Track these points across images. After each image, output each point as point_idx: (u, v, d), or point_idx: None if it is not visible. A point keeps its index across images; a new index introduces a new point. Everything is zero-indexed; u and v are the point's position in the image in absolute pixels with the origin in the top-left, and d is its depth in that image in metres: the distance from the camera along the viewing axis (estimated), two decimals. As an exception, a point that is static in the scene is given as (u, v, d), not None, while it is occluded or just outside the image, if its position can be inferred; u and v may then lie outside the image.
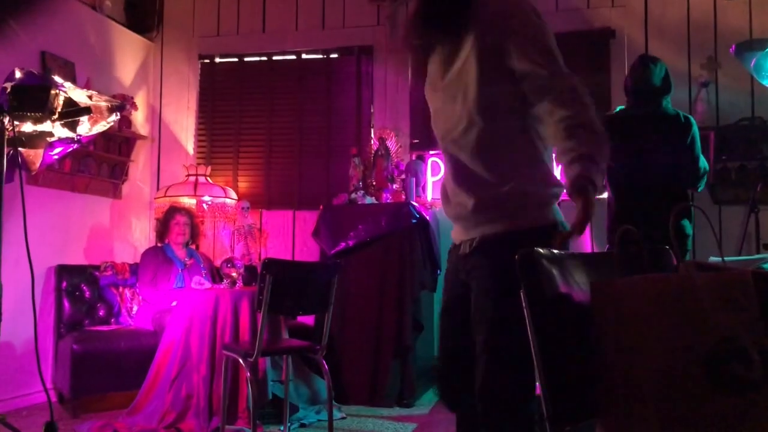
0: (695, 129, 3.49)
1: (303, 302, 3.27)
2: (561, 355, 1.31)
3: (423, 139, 5.15)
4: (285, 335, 3.82)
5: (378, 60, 5.33)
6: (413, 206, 4.40)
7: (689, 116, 3.54)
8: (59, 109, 2.88)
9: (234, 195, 5.26)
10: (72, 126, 3.06)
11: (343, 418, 3.86)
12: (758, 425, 1.14)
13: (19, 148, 2.91)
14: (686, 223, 3.40)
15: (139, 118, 5.46)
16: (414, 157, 5.04)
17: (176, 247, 4.46)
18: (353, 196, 4.73)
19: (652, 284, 1.24)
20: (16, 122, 2.75)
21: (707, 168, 3.53)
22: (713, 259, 2.88)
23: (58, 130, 2.99)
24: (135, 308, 4.58)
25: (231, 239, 5.20)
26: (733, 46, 4.00)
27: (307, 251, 5.27)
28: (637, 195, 3.38)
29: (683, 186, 3.53)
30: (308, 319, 4.58)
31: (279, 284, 3.02)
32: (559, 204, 1.74)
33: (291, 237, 5.37)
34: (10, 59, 4.04)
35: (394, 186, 4.73)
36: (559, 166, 1.63)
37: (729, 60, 4.42)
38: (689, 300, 1.19)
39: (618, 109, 3.81)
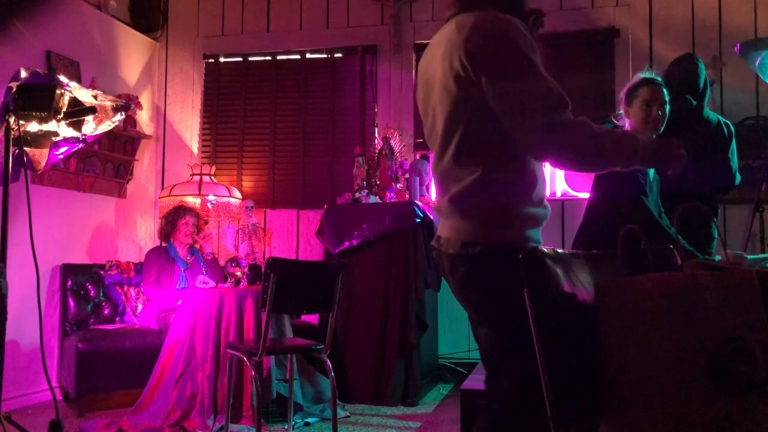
0: (734, 141, 3.41)
1: (307, 301, 3.28)
2: (565, 354, 1.31)
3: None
4: (289, 334, 3.83)
5: (382, 59, 5.33)
6: (417, 205, 4.40)
7: (729, 124, 3.45)
8: (64, 109, 2.89)
9: (238, 194, 5.27)
10: (77, 125, 3.07)
11: (348, 416, 3.87)
12: (763, 425, 1.14)
13: (25, 148, 2.92)
14: (713, 224, 3.32)
15: (143, 118, 5.48)
16: (418, 157, 5.04)
17: (181, 246, 4.47)
18: (357, 195, 4.73)
19: (656, 284, 1.24)
20: (21, 122, 2.76)
21: (740, 179, 3.48)
22: (718, 258, 2.87)
23: (63, 129, 3.00)
24: (140, 307, 4.59)
25: (235, 238, 5.21)
26: (738, 45, 3.98)
27: (311, 250, 5.28)
28: (670, 197, 3.11)
29: (716, 191, 3.47)
30: (313, 318, 4.59)
31: (283, 283, 3.02)
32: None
33: (295, 236, 5.38)
34: (16, 59, 4.05)
35: (398, 185, 4.73)
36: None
37: (734, 59, 4.41)
38: (693, 300, 1.19)
39: None
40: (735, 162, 3.41)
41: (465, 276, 1.60)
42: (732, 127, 3.43)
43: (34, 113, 2.75)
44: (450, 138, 1.63)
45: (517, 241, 1.56)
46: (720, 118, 3.46)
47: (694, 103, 3.36)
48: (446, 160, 1.64)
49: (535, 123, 1.51)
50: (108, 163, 5.03)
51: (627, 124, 2.80)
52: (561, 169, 1.58)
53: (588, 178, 4.73)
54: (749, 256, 2.69)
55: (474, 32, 1.57)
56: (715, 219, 3.36)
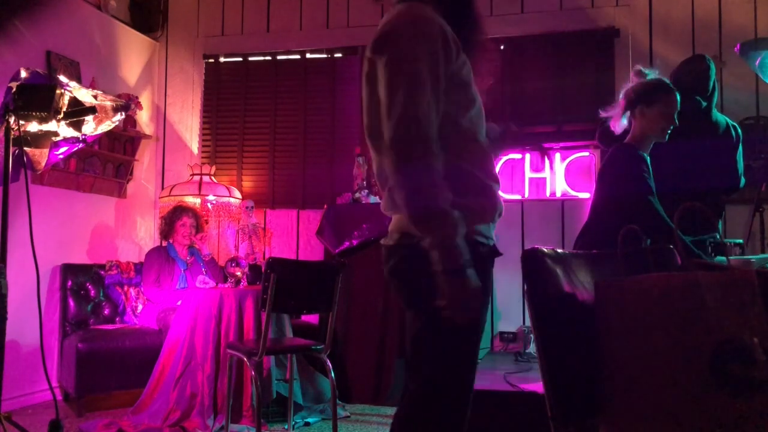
0: (741, 143, 3.41)
1: (307, 301, 3.28)
2: (564, 354, 1.31)
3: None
4: (289, 334, 3.83)
5: (382, 59, 5.32)
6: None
7: (737, 127, 3.44)
8: (64, 109, 2.89)
9: (238, 194, 5.27)
10: (77, 125, 3.08)
11: (347, 416, 3.87)
12: (763, 425, 1.14)
13: (25, 148, 2.92)
14: (719, 225, 3.32)
15: (143, 118, 5.48)
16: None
17: (180, 247, 4.48)
18: (357, 195, 4.73)
19: (656, 284, 1.24)
20: (21, 122, 2.76)
21: (744, 182, 3.47)
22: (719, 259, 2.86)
23: (63, 129, 3.01)
24: (140, 307, 4.59)
25: (235, 238, 5.21)
26: (738, 45, 3.98)
27: (312, 250, 5.28)
28: (674, 197, 3.15)
29: (721, 193, 3.47)
30: (313, 318, 4.59)
31: (283, 283, 3.02)
32: None
33: (295, 236, 5.38)
34: (16, 59, 4.05)
35: (398, 185, 4.73)
36: None
37: (734, 59, 4.41)
38: (693, 299, 1.19)
39: None
40: (741, 164, 3.41)
41: (396, 265, 1.57)
42: (739, 130, 3.44)
43: (34, 113, 2.75)
44: (376, 135, 1.60)
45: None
46: (728, 120, 3.46)
47: (704, 104, 3.35)
48: (378, 157, 1.63)
49: (387, 141, 1.46)
50: (108, 163, 5.03)
51: (630, 122, 2.76)
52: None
53: (589, 179, 4.75)
54: (753, 257, 2.68)
55: (382, 28, 1.55)
56: (720, 221, 3.36)
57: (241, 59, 5.63)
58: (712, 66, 3.43)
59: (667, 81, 2.75)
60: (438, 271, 1.38)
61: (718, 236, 3.28)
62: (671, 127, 2.71)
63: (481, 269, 1.48)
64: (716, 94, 3.47)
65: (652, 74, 2.76)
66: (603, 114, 2.79)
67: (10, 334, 2.95)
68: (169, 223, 4.50)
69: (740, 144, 3.41)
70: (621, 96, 2.78)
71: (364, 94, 1.62)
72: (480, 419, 1.69)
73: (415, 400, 1.55)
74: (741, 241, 3.31)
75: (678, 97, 2.70)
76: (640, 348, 1.24)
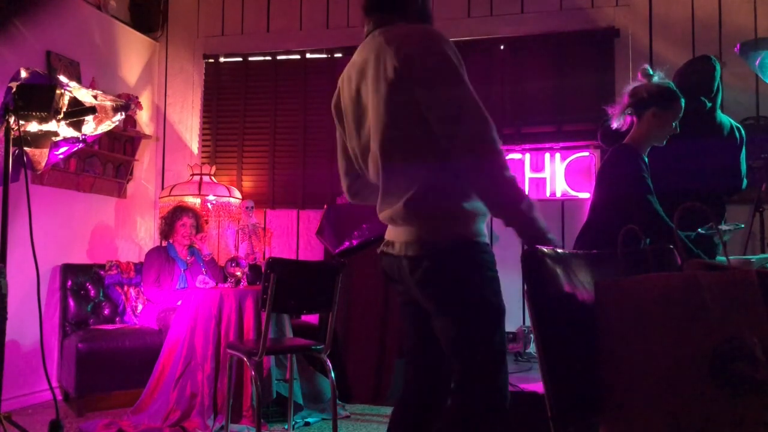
0: (744, 145, 3.40)
1: (307, 301, 3.28)
2: (565, 354, 1.31)
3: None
4: (289, 334, 3.83)
5: (382, 59, 5.32)
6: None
7: (741, 128, 3.43)
8: (64, 109, 2.89)
9: (238, 194, 5.27)
10: (77, 125, 3.08)
11: (347, 416, 3.87)
12: (763, 425, 1.14)
13: (25, 148, 2.92)
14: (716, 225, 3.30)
15: (143, 118, 5.48)
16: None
17: (180, 247, 4.48)
18: (357, 195, 4.72)
19: (656, 284, 1.24)
20: (21, 122, 2.76)
21: (746, 183, 3.47)
22: (720, 258, 2.86)
23: (63, 129, 3.00)
24: (140, 307, 4.59)
25: (235, 238, 5.21)
26: (738, 45, 3.98)
27: (312, 250, 5.28)
28: (676, 198, 3.11)
29: (723, 194, 3.47)
30: (313, 318, 4.59)
31: (283, 283, 3.02)
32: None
33: (295, 236, 5.38)
34: (16, 59, 4.05)
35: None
36: None
37: (734, 59, 4.41)
38: (693, 299, 1.19)
39: None
40: (744, 166, 3.41)
41: (426, 274, 1.66)
42: (743, 132, 3.43)
43: (34, 113, 2.75)
44: (393, 147, 1.68)
45: (470, 234, 1.67)
46: (732, 122, 3.46)
47: (709, 105, 3.35)
48: (392, 168, 1.69)
49: (463, 133, 1.57)
50: (108, 163, 5.03)
51: (630, 122, 2.74)
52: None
53: (589, 179, 4.75)
54: (753, 257, 2.67)
55: (407, 40, 1.64)
56: (723, 221, 3.34)
57: (241, 59, 5.63)
58: (718, 67, 3.43)
59: (672, 84, 2.74)
60: (529, 243, 1.55)
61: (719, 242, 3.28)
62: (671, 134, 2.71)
63: (494, 263, 1.68)
64: (720, 95, 3.46)
65: (658, 75, 2.74)
66: (609, 110, 2.77)
67: (10, 334, 2.96)
68: (169, 223, 4.50)
69: (744, 145, 3.41)
70: (627, 93, 2.73)
71: (388, 104, 1.66)
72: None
73: (475, 402, 1.65)
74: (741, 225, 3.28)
75: (683, 104, 2.69)
76: (640, 348, 1.24)
